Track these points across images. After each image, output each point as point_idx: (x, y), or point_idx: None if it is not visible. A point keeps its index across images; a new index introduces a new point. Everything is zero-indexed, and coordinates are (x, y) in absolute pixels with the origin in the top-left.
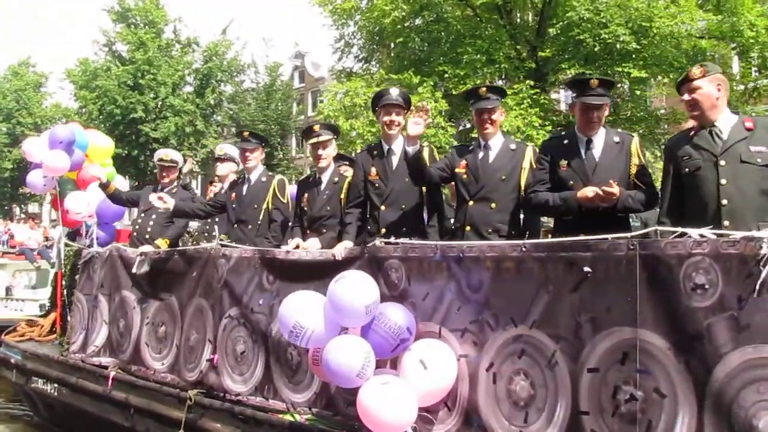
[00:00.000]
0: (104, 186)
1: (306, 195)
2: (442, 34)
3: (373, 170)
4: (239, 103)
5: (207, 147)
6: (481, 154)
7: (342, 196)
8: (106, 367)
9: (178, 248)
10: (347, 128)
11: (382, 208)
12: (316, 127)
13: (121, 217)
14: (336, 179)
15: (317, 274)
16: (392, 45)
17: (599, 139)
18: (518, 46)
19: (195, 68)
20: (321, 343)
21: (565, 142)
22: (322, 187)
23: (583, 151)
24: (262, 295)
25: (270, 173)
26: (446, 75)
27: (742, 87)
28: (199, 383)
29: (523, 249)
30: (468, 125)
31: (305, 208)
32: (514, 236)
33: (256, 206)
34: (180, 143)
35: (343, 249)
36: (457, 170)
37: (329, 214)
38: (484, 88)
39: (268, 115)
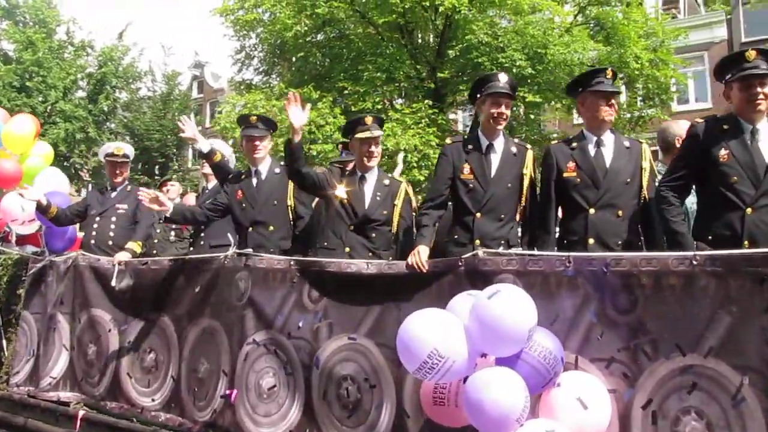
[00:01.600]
0: (44, 209)
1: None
2: (344, 50)
3: (467, 167)
4: (134, 111)
5: (99, 155)
6: (593, 151)
7: (396, 202)
8: (67, 404)
9: (175, 257)
10: None
11: (478, 215)
12: (368, 120)
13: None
14: (386, 182)
15: (386, 290)
16: (293, 59)
17: (765, 129)
18: (418, 66)
19: (88, 72)
20: (458, 377)
21: (725, 126)
22: (369, 186)
23: (749, 142)
24: (302, 317)
25: (282, 163)
26: (346, 91)
27: (629, 115)
28: (211, 425)
29: (694, 262)
30: None
31: (344, 204)
32: (640, 249)
33: (275, 203)
34: (70, 150)
35: (425, 259)
36: (565, 174)
37: (384, 218)
38: (610, 71)
39: (164, 125)
